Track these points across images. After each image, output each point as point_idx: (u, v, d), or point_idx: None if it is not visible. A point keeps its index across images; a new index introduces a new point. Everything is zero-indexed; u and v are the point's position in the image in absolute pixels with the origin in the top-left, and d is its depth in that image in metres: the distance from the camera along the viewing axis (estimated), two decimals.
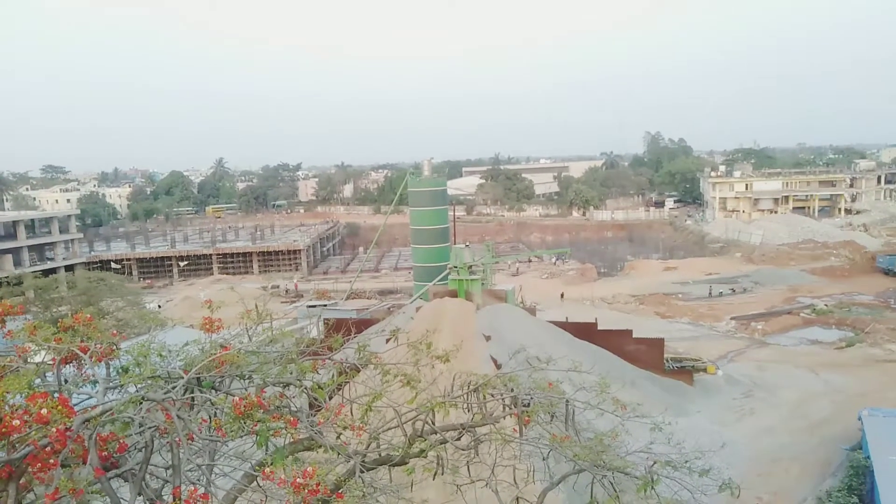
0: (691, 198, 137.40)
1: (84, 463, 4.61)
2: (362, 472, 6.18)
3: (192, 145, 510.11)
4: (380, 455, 6.88)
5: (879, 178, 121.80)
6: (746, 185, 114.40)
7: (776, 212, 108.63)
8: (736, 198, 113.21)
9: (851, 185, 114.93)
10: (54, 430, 4.32)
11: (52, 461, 4.40)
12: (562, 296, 62.91)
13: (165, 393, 5.22)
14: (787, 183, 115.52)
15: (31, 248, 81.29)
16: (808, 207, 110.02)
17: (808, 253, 78.13)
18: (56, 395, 4.89)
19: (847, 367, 39.54)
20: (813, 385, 36.60)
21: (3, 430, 4.34)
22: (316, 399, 6.44)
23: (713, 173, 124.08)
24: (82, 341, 5.77)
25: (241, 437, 5.48)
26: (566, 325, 38.45)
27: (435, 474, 7.15)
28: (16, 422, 4.32)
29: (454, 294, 38.54)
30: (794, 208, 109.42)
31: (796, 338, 49.54)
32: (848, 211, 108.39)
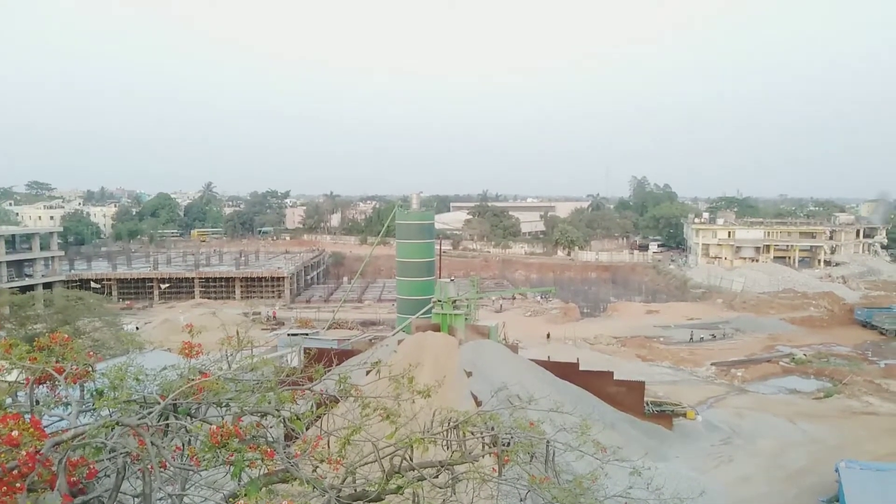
0: (675, 242, 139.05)
1: (51, 488, 4.48)
2: None
3: (181, 168, 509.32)
4: (355, 490, 6.75)
5: (858, 231, 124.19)
6: (729, 232, 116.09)
7: (757, 260, 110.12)
8: (718, 244, 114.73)
9: (831, 238, 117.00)
10: (24, 453, 4.21)
11: (18, 485, 4.27)
12: (548, 336, 62.83)
13: (140, 418, 5.12)
14: (768, 232, 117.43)
15: (9, 263, 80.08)
16: (789, 257, 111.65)
17: (788, 302, 79.03)
18: (28, 416, 4.78)
19: (825, 418, 39.70)
20: (791, 434, 36.66)
21: None
22: (293, 430, 6.34)
23: (697, 219, 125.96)
24: (57, 361, 5.67)
25: (216, 466, 5.36)
26: (548, 365, 38.38)
27: None
28: None
29: (437, 328, 38.42)
30: (774, 257, 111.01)
31: (775, 386, 49.77)
32: (827, 262, 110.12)
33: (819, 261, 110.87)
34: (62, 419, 5.44)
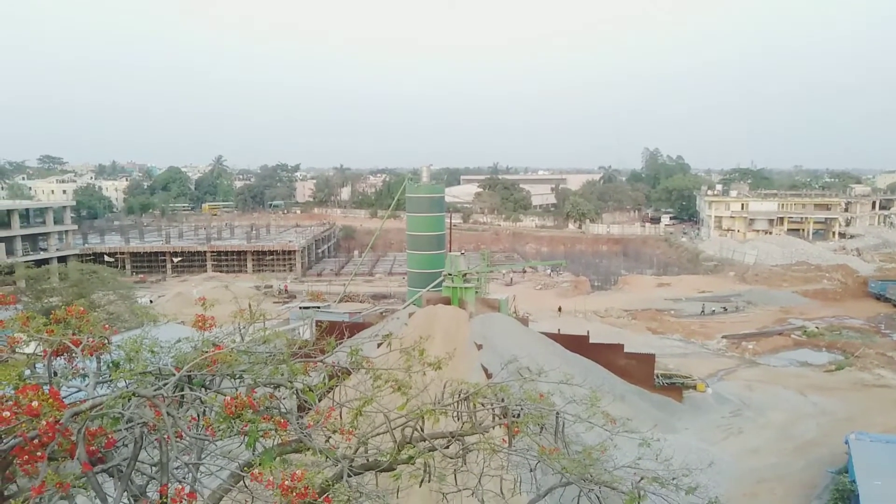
0: (687, 215, 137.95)
1: (71, 457, 4.59)
2: (350, 476, 6.16)
3: (192, 141, 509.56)
4: (367, 460, 6.86)
5: (874, 203, 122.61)
6: (742, 204, 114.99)
7: (771, 232, 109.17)
8: (731, 217, 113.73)
9: (846, 210, 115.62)
10: (44, 422, 4.30)
11: (39, 454, 4.38)
12: (559, 309, 62.80)
13: (156, 389, 5.20)
14: (782, 204, 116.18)
15: (24, 237, 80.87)
16: (803, 230, 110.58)
17: (801, 275, 78.46)
18: (46, 387, 4.87)
19: (835, 391, 39.66)
20: (801, 407, 36.70)
21: None
22: (306, 401, 6.43)
23: (710, 192, 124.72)
24: (74, 334, 5.75)
25: (230, 436, 5.46)
26: (558, 337, 38.48)
27: (422, 481, 7.13)
28: (6, 413, 4.30)
29: (448, 301, 38.54)
30: (788, 230, 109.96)
31: (786, 359, 49.69)
32: (842, 235, 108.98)
33: (833, 233, 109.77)
34: (80, 390, 5.55)
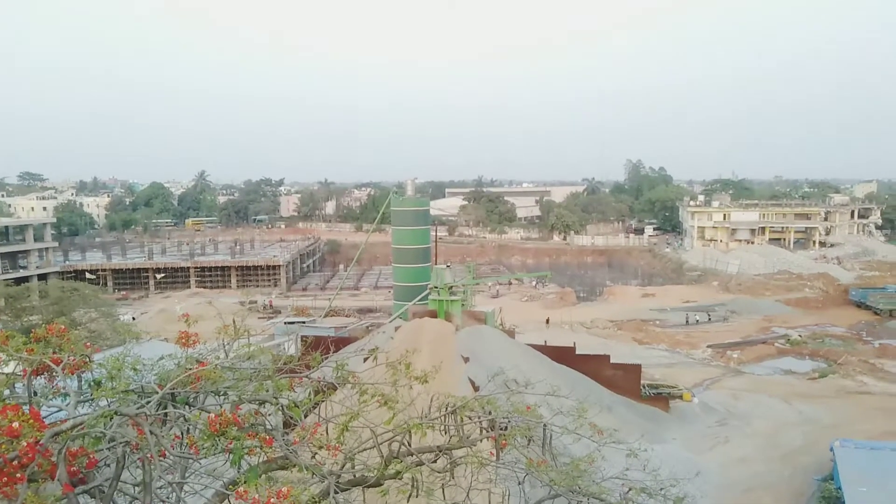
0: (670, 226, 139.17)
1: (52, 478, 4.50)
2: (336, 492, 6.10)
3: (173, 157, 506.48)
4: (354, 476, 6.80)
5: (853, 212, 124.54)
6: (724, 215, 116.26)
7: (753, 242, 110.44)
8: (714, 227, 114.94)
9: (826, 219, 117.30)
10: (24, 443, 4.22)
11: (18, 475, 4.29)
12: (547, 321, 62.87)
13: (139, 408, 5.13)
14: (763, 214, 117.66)
15: (3, 255, 79.76)
16: (784, 239, 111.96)
17: (783, 284, 79.37)
18: (26, 407, 4.79)
19: (820, 398, 40.01)
20: (786, 415, 36.96)
21: None
22: (291, 417, 6.37)
23: (692, 202, 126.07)
24: (54, 352, 5.67)
25: (215, 454, 5.39)
26: (545, 349, 38.51)
27: (409, 496, 7.08)
28: None
29: (434, 314, 38.47)
30: (770, 239, 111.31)
31: (771, 367, 50.08)
32: (822, 244, 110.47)
33: (814, 242, 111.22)
34: (61, 410, 5.46)
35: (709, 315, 66.58)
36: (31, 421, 4.34)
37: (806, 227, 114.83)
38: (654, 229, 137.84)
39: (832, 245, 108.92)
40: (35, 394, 5.52)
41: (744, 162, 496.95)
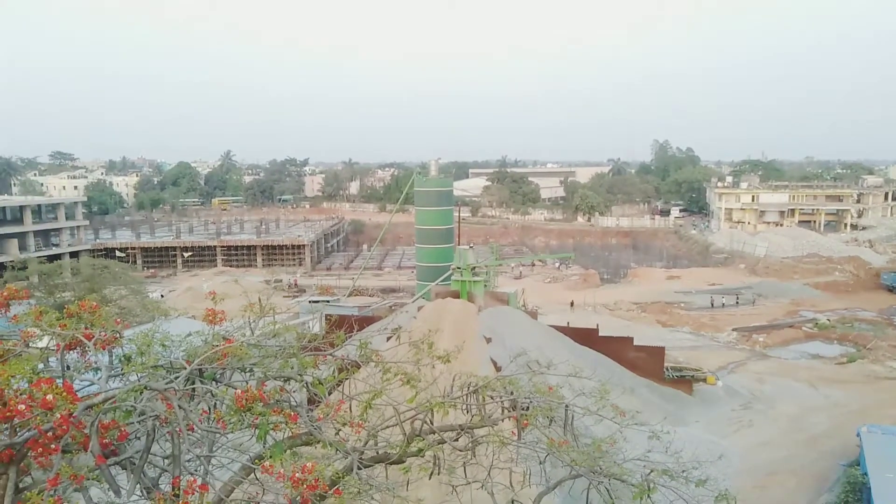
0: (697, 207, 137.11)
1: (85, 450, 4.64)
2: (359, 468, 6.20)
3: (200, 137, 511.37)
4: (377, 453, 6.90)
5: (887, 194, 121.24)
6: (753, 196, 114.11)
7: (782, 224, 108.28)
8: (742, 209, 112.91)
9: (858, 201, 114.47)
10: (58, 415, 4.35)
11: (53, 446, 4.43)
12: (571, 304, 62.47)
13: (168, 383, 5.25)
14: (793, 196, 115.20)
15: (36, 233, 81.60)
16: (814, 221, 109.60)
17: (813, 267, 77.86)
18: (60, 381, 4.92)
19: (847, 383, 39.41)
20: (812, 399, 36.50)
21: (8, 413, 4.37)
22: (316, 394, 6.46)
23: (720, 184, 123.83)
24: (86, 328, 5.81)
25: (241, 429, 5.50)
26: (567, 330, 38.44)
27: (431, 474, 7.16)
28: (21, 406, 4.35)
29: (456, 295, 38.55)
30: (799, 222, 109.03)
31: (797, 351, 49.40)
32: (854, 226, 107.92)
33: (845, 224, 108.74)
34: (93, 383, 5.60)
35: (737, 298, 65.70)
36: (65, 394, 4.46)
37: (837, 210, 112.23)
38: (681, 211, 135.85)
39: (864, 228, 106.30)
40: (68, 368, 5.67)
41: (774, 143, 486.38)
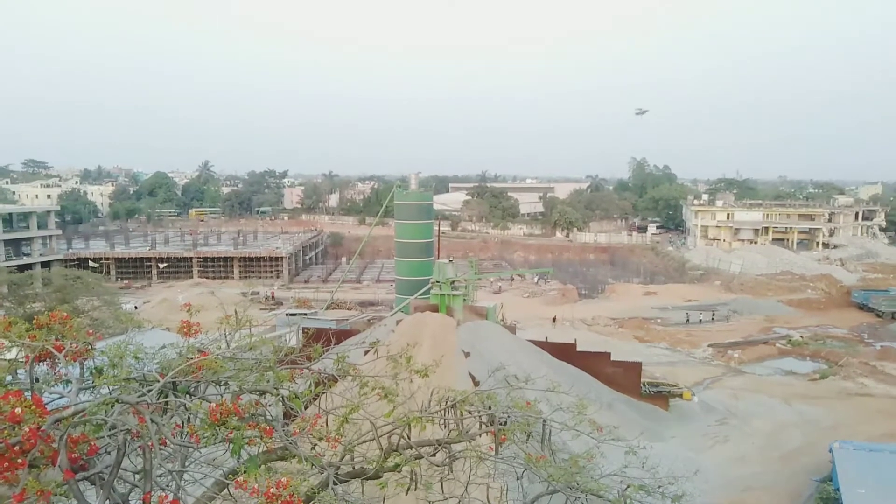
0: (673, 224, 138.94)
1: (53, 464, 4.52)
2: (335, 484, 6.13)
3: (178, 147, 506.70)
4: (354, 468, 6.82)
5: (857, 214, 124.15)
6: (728, 214, 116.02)
7: (756, 242, 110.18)
8: (717, 226, 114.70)
9: (830, 220, 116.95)
10: (26, 429, 4.24)
11: (20, 461, 4.31)
12: (554, 319, 62.58)
13: (140, 396, 5.15)
14: (767, 214, 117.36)
15: (7, 242, 79.99)
16: (788, 239, 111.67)
17: (786, 284, 79.21)
18: (28, 393, 4.81)
19: (820, 399, 39.99)
20: (786, 415, 36.96)
21: None
22: (292, 408, 6.38)
23: (696, 201, 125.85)
24: (57, 339, 5.69)
25: (215, 444, 5.41)
26: (545, 345, 38.54)
27: (408, 489, 7.10)
28: None
29: (435, 308, 38.51)
30: (773, 239, 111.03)
31: (771, 367, 50.06)
32: (825, 245, 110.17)
33: (817, 243, 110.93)
34: (62, 396, 5.48)
35: (712, 314, 66.49)
36: (34, 407, 4.36)
37: (809, 228, 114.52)
38: (658, 227, 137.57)
39: (835, 246, 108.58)
40: (37, 380, 5.54)
41: (749, 162, 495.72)
